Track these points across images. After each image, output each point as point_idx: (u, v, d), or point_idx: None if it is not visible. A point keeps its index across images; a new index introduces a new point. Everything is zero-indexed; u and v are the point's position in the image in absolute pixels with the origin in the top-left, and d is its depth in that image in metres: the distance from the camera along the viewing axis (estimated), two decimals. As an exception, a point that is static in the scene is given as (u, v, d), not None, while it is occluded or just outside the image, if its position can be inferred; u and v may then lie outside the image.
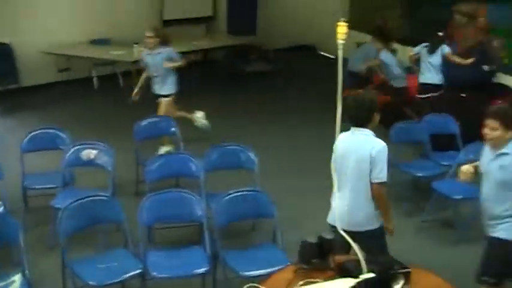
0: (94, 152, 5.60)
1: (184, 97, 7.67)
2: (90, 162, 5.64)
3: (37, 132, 6.08)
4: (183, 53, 10.81)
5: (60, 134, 6.09)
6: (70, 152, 5.65)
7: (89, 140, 5.77)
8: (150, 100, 7.32)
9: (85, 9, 10.73)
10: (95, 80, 10.83)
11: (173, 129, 6.53)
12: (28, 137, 6.01)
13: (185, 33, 12.00)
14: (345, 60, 7.10)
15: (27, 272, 4.15)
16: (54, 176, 5.70)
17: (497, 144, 3.92)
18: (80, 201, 4.49)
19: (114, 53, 10.11)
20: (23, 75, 10.30)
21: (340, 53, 3.66)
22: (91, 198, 4.57)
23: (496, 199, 3.94)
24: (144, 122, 6.48)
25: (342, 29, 3.61)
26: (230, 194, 4.66)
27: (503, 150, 3.89)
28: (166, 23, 11.93)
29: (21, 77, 10.28)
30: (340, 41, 3.62)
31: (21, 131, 6.66)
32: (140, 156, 6.35)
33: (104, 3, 11.05)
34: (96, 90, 10.70)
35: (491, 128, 3.88)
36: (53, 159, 6.08)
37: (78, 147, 5.69)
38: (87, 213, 4.52)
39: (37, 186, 5.78)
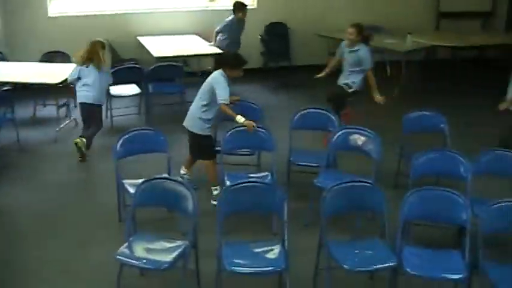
0: (362, 138, 5.63)
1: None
2: (357, 148, 5.68)
3: (306, 111, 6.28)
4: (457, 48, 10.41)
5: (330, 115, 6.24)
6: (338, 135, 5.75)
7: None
8: (419, 92, 7.05)
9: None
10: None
11: (442, 125, 6.24)
12: (297, 115, 6.25)
13: (460, 27, 11.53)
14: None
15: (286, 242, 4.33)
16: (318, 155, 5.87)
17: None
18: (343, 184, 4.51)
19: (387, 42, 10.00)
20: (295, 54, 10.74)
21: None
22: (355, 183, 4.59)
23: None
24: (414, 115, 6.30)
25: None
26: (500, 202, 4.33)
27: None
28: (443, 15, 11.60)
29: (294, 56, 10.73)
30: None
31: (292, 107, 6.96)
32: (406, 149, 6.21)
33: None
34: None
35: None
36: (317, 138, 6.23)
37: (347, 130, 5.76)
38: (349, 198, 4.55)
39: (302, 163, 5.98)
